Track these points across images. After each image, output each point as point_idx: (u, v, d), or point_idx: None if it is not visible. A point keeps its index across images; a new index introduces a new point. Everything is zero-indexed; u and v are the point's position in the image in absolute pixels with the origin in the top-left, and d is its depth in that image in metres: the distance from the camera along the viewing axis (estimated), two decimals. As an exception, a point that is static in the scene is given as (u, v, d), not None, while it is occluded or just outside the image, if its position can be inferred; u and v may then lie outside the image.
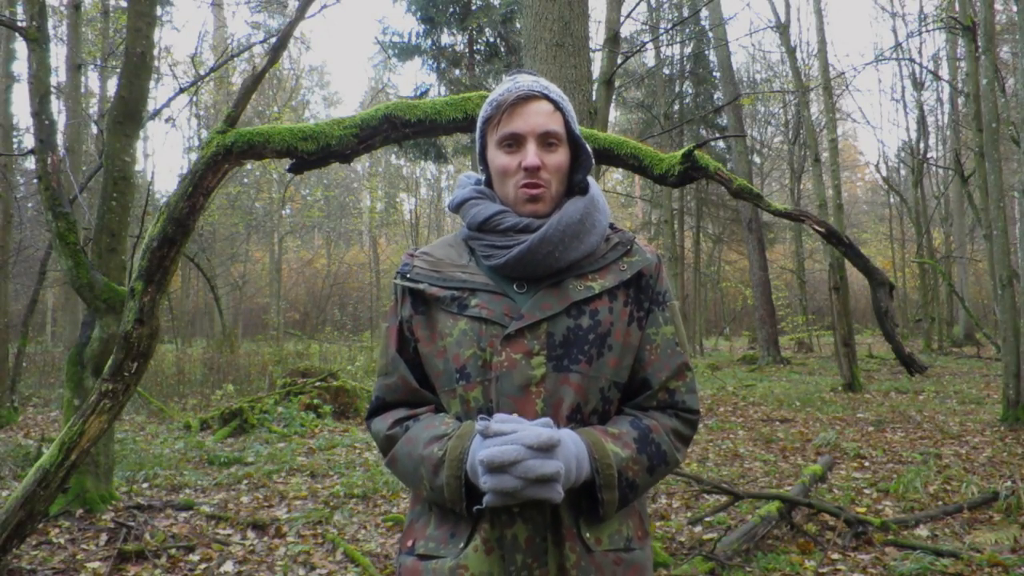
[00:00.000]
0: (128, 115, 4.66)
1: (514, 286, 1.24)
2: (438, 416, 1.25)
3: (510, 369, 1.18)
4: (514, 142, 1.26)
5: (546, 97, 1.28)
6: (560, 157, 1.27)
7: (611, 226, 1.34)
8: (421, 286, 1.27)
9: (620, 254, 1.29)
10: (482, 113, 1.32)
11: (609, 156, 3.01)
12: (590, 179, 1.34)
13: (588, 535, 1.18)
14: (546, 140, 1.26)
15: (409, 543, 1.26)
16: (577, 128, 1.31)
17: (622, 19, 6.66)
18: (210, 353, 15.02)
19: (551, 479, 1.06)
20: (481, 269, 1.27)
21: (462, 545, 1.18)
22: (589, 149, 1.32)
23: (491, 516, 1.16)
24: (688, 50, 20.35)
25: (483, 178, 1.37)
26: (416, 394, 1.29)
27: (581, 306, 1.22)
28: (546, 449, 1.06)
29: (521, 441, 1.06)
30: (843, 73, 19.28)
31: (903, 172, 24.81)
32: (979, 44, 8.39)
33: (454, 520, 1.20)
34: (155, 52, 5.47)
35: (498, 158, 1.28)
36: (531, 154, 1.24)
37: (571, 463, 1.10)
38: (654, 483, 1.24)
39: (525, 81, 1.29)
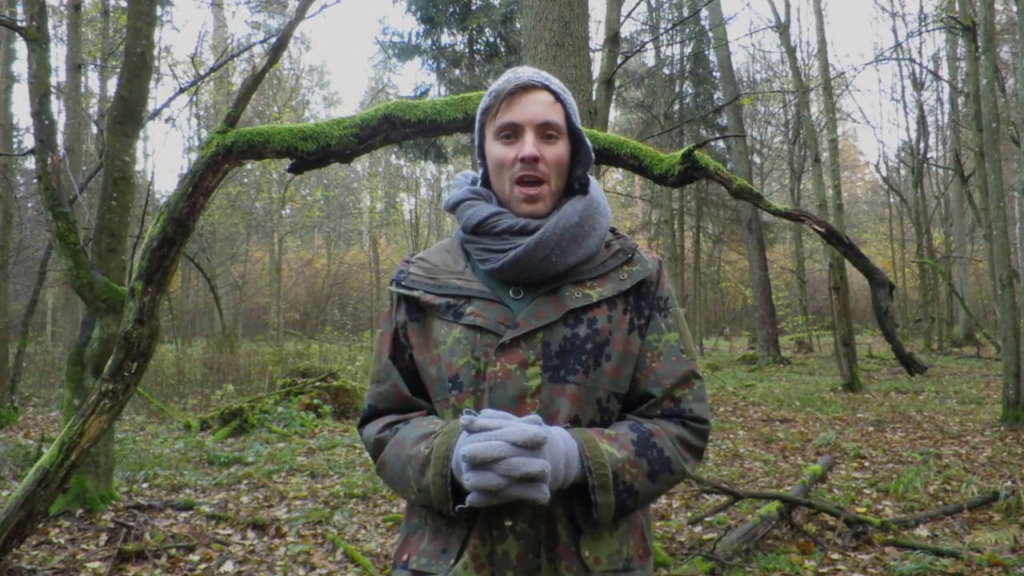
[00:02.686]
0: (128, 115, 4.66)
1: (510, 292, 1.21)
2: (428, 417, 1.22)
3: (504, 379, 1.15)
4: (512, 132, 1.21)
5: (547, 88, 1.23)
6: (560, 150, 1.23)
7: (613, 230, 1.30)
8: (416, 293, 1.23)
9: (620, 262, 1.25)
10: (481, 104, 1.27)
11: (609, 156, 3.01)
12: (591, 178, 1.29)
13: (587, 554, 1.13)
14: (545, 131, 1.21)
15: (404, 557, 1.23)
16: (578, 121, 1.26)
17: (622, 19, 6.66)
18: (210, 353, 15.02)
19: (536, 478, 1.01)
20: (477, 275, 1.24)
21: (452, 561, 1.14)
22: (589, 144, 1.27)
23: (481, 532, 1.13)
24: (688, 50, 20.36)
25: (480, 175, 1.33)
26: (408, 402, 1.26)
27: (578, 314, 1.18)
28: (532, 447, 1.01)
29: (506, 437, 1.01)
30: (843, 73, 19.29)
31: (903, 172, 24.81)
32: (979, 44, 8.39)
33: (447, 534, 1.17)
34: (155, 52, 5.47)
35: (495, 149, 1.23)
36: (529, 144, 1.19)
37: (559, 461, 1.06)
38: (658, 492, 1.18)
39: (526, 72, 1.24)
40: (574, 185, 1.27)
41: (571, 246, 1.19)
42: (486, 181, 1.31)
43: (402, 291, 1.26)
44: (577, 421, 1.16)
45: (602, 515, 1.11)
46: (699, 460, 1.23)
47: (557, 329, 1.17)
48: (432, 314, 1.23)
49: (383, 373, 1.27)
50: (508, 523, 1.12)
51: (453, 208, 1.29)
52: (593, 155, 1.29)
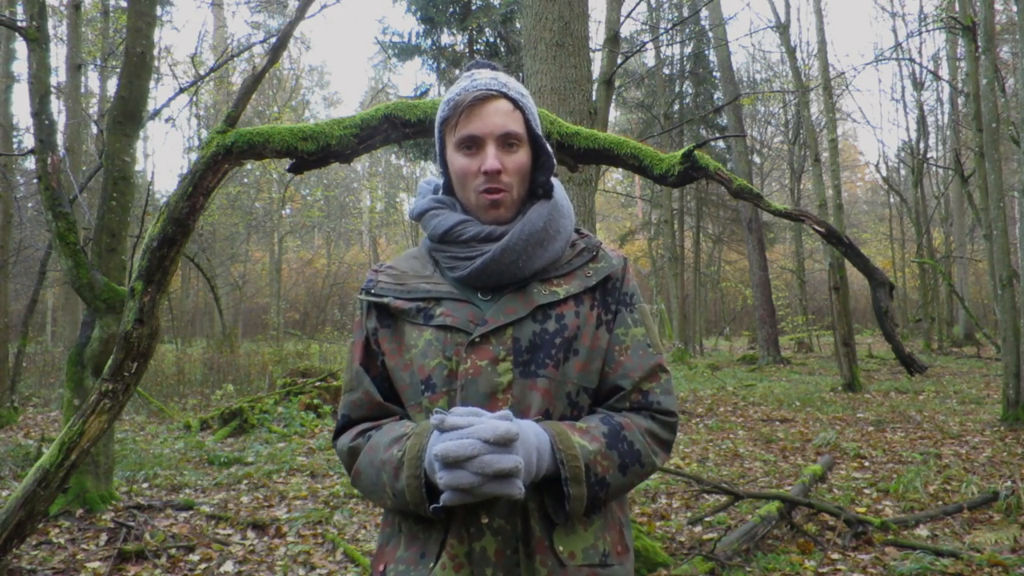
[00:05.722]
0: (128, 115, 4.66)
1: (479, 294, 1.23)
2: (400, 422, 1.21)
3: (475, 376, 1.15)
4: (473, 144, 1.22)
5: (504, 95, 1.23)
6: (521, 158, 1.23)
7: (577, 231, 1.32)
8: (385, 300, 1.24)
9: (586, 260, 1.27)
10: (439, 113, 1.27)
11: (609, 156, 3.00)
12: (555, 181, 1.30)
13: (561, 548, 1.13)
14: (506, 141, 1.22)
15: (380, 567, 1.21)
16: (538, 126, 1.27)
17: (622, 19, 6.66)
18: (210, 353, 15.02)
19: (510, 474, 1.01)
20: (446, 279, 1.25)
21: (431, 564, 1.13)
22: (550, 148, 1.28)
23: (458, 531, 1.13)
24: (688, 50, 20.37)
25: (442, 182, 1.33)
26: (381, 408, 1.25)
27: (546, 310, 1.19)
28: (504, 443, 1.01)
29: (477, 435, 1.01)
30: (843, 73, 19.30)
31: (903, 172, 24.82)
32: (979, 44, 8.39)
33: (423, 539, 1.17)
34: (155, 52, 5.47)
35: (457, 160, 1.24)
36: (491, 157, 1.20)
37: (531, 456, 1.06)
38: (629, 485, 1.19)
39: (482, 78, 1.24)
40: (538, 190, 1.28)
41: (536, 251, 1.21)
42: (449, 188, 1.32)
43: (371, 298, 1.27)
44: (548, 415, 1.17)
45: (574, 507, 1.11)
46: (668, 453, 1.23)
47: (526, 325, 1.18)
48: (403, 319, 1.24)
49: (355, 381, 1.27)
50: (485, 520, 1.12)
51: (419, 217, 1.30)
52: (554, 160, 1.29)
